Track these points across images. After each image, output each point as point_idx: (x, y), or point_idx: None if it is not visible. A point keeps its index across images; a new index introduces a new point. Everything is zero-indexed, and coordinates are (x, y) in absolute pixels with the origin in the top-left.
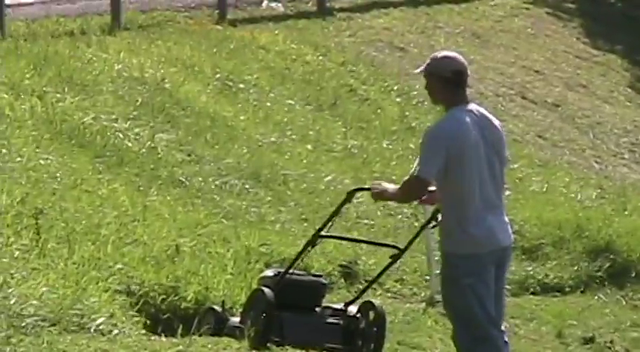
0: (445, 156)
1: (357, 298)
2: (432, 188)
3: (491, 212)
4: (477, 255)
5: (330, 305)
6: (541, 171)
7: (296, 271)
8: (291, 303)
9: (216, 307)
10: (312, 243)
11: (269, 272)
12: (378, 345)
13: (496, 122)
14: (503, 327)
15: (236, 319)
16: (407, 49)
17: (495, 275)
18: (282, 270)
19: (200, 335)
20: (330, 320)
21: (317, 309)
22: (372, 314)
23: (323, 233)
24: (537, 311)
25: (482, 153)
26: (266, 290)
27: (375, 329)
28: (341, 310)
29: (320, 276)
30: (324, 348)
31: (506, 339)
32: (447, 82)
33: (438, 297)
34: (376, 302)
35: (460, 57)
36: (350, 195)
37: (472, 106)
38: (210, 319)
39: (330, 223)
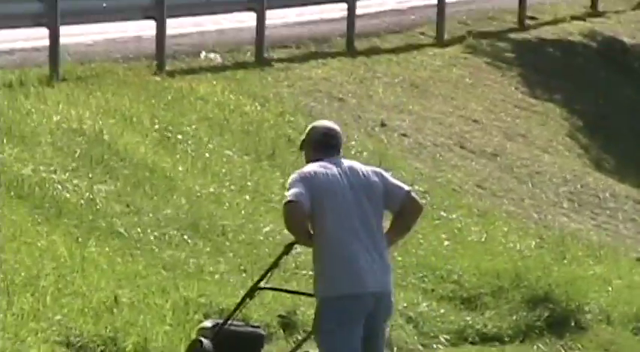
0: (309, 189)
1: (295, 349)
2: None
3: (359, 256)
4: (338, 298)
5: None
6: (480, 220)
7: (235, 322)
8: None
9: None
10: (250, 295)
11: (207, 323)
12: None
13: (366, 169)
14: None
15: None
16: (345, 99)
17: (368, 325)
18: (221, 321)
19: None
20: None
21: None
22: None
23: (261, 285)
24: None
25: (348, 197)
26: (204, 341)
27: None
28: None
29: (258, 327)
30: None
31: None
32: (316, 147)
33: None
34: None
35: (330, 123)
36: (288, 247)
37: (339, 159)
38: None
39: (268, 275)
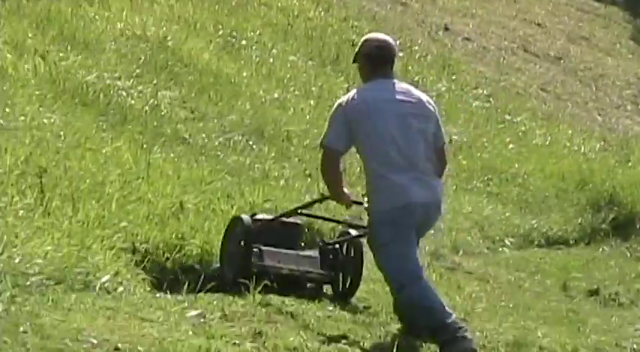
0: (347, 121)
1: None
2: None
3: (405, 170)
4: (387, 212)
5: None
6: (544, 123)
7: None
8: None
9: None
10: (289, 215)
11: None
12: (356, 275)
13: (420, 96)
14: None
15: None
16: (408, 4)
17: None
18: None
19: (205, 292)
20: (310, 253)
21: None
22: (350, 247)
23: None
24: (542, 264)
25: (392, 115)
26: (244, 217)
27: (352, 261)
28: (319, 243)
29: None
30: (306, 278)
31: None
32: (368, 58)
33: (443, 251)
34: (353, 232)
35: (383, 36)
36: (321, 197)
37: (392, 80)
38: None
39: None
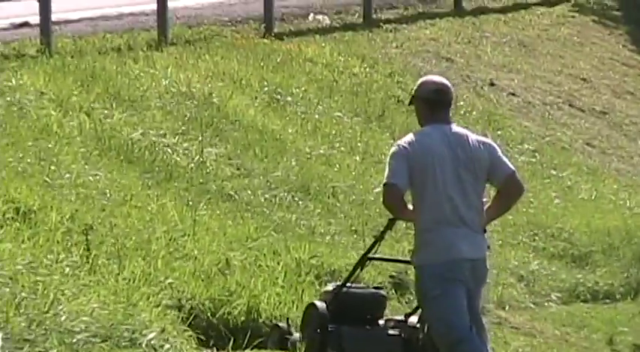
0: (408, 164)
1: (416, 309)
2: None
3: (456, 226)
4: (437, 266)
5: (391, 317)
6: (589, 178)
7: (355, 285)
8: (351, 317)
9: (281, 324)
10: (360, 265)
11: (329, 287)
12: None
13: (476, 139)
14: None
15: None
16: (453, 59)
17: (468, 292)
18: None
19: (252, 349)
20: (391, 331)
21: (378, 322)
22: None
23: (370, 255)
24: (588, 319)
25: (449, 169)
26: (318, 303)
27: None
28: (401, 321)
29: (381, 288)
30: None
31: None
32: (426, 103)
33: (489, 306)
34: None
35: (441, 79)
36: (390, 222)
37: (449, 126)
38: (275, 335)
39: (376, 246)
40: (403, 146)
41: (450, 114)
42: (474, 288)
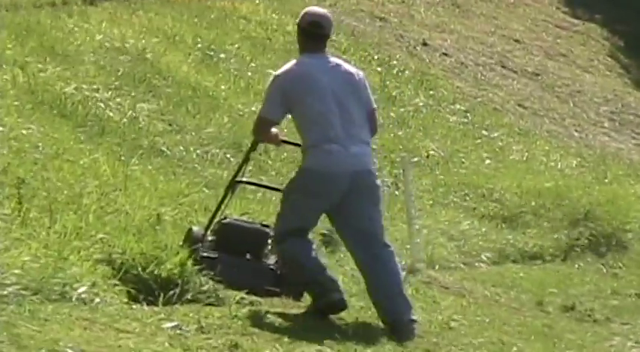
0: (283, 94)
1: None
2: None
3: (338, 143)
4: (312, 171)
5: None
6: (521, 139)
7: (242, 219)
8: (232, 247)
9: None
10: (229, 188)
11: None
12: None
13: (349, 67)
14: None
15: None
16: (387, 19)
17: (348, 201)
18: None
19: (182, 304)
20: (266, 265)
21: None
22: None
23: (238, 178)
24: (518, 280)
25: (328, 91)
26: (195, 228)
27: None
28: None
29: (267, 227)
30: (262, 291)
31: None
32: (303, 33)
33: (419, 266)
34: None
35: (320, 12)
36: (253, 145)
37: (325, 55)
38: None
39: (243, 169)
40: (278, 75)
41: (326, 46)
42: (361, 203)
